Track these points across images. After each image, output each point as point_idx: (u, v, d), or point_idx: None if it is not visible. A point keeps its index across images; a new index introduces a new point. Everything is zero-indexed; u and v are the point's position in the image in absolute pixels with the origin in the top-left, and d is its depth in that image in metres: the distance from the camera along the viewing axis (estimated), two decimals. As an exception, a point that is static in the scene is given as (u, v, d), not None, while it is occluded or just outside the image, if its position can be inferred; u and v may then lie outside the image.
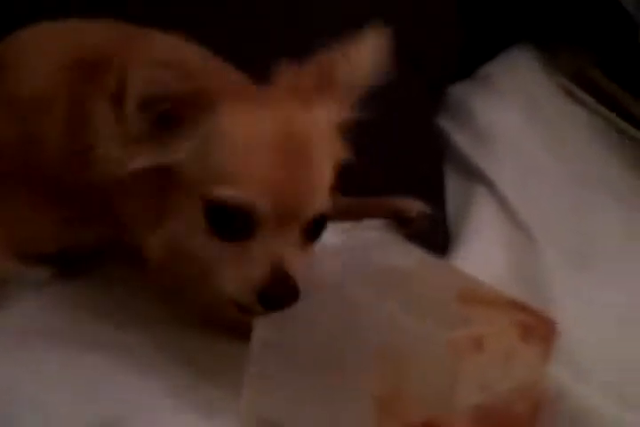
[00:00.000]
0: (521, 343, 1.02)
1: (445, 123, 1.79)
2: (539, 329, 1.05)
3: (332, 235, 1.14)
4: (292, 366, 1.10)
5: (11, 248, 1.30)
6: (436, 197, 1.45)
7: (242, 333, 1.12)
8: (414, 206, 1.26)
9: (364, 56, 1.12)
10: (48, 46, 1.25)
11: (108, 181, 1.13)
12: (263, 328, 1.09)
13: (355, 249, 1.14)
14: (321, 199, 1.08)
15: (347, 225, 1.17)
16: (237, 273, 1.06)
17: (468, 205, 1.57)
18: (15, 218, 1.27)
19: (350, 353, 1.06)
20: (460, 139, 1.74)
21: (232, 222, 1.06)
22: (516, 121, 1.81)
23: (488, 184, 1.62)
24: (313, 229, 1.11)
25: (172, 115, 1.06)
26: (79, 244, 1.32)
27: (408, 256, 1.15)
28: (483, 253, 1.44)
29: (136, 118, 1.05)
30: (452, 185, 1.62)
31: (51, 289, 1.34)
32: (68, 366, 1.20)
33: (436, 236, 1.33)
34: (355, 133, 1.18)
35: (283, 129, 1.07)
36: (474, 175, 1.66)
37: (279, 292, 1.05)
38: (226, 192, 1.05)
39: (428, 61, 1.68)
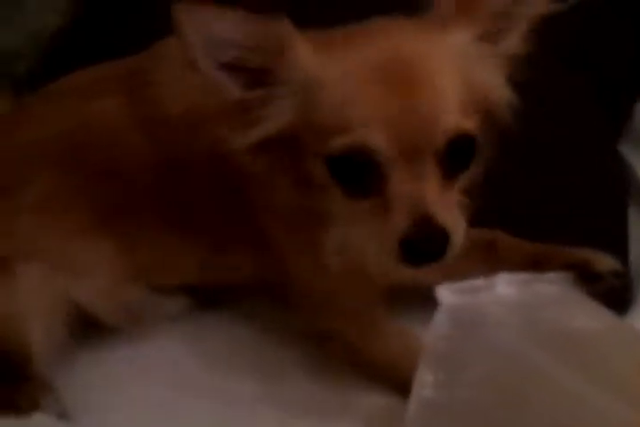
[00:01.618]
0: None
1: (629, 151, 1.52)
2: None
3: (508, 286, 1.00)
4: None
5: (145, 278, 1.24)
6: (617, 244, 1.26)
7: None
8: (604, 261, 1.09)
9: None
10: None
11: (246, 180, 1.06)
12: (425, 386, 0.97)
13: (532, 305, 1.00)
14: (449, 122, 0.93)
15: (525, 276, 1.02)
16: (377, 229, 0.95)
17: None
18: (151, 247, 1.21)
19: None
20: None
21: (359, 174, 0.94)
22: None
23: None
24: (456, 158, 0.95)
25: (252, 69, 0.94)
26: (219, 277, 1.24)
27: (592, 318, 1.00)
28: None
29: (214, 74, 0.94)
30: (635, 228, 1.38)
31: (183, 321, 1.28)
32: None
33: (618, 292, 1.17)
34: (513, 157, 1.05)
35: (386, 54, 0.95)
36: None
37: (426, 241, 0.92)
38: (341, 141, 0.93)
39: (607, 74, 1.48)
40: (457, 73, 0.96)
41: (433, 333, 0.97)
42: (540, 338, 0.96)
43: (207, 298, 1.29)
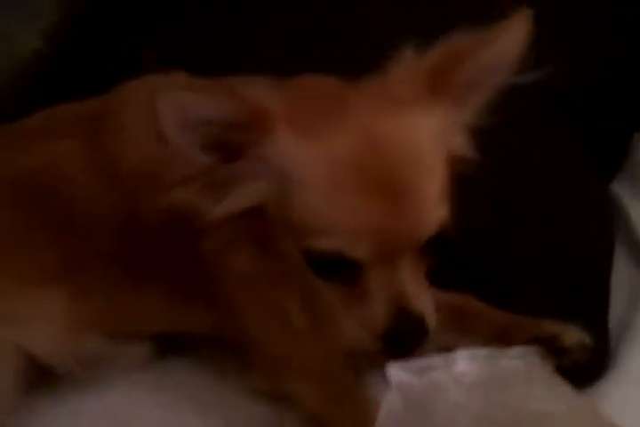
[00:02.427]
0: None
1: (622, 190, 1.44)
2: None
3: (468, 363, 0.96)
4: None
5: (103, 326, 1.18)
6: (598, 309, 1.20)
7: None
8: (572, 335, 1.03)
9: (503, 45, 0.89)
10: None
11: (211, 245, 1.01)
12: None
13: (493, 385, 0.95)
14: (433, 222, 0.90)
15: (487, 352, 0.97)
16: (356, 317, 0.92)
17: (634, 304, 1.27)
18: (107, 297, 1.15)
19: None
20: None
21: (338, 270, 0.91)
22: None
23: None
24: (429, 245, 0.92)
25: (228, 146, 0.89)
26: (178, 328, 1.19)
27: (555, 399, 0.96)
28: None
29: (187, 150, 0.89)
30: (621, 277, 1.29)
31: (143, 370, 1.22)
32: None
33: (592, 363, 1.11)
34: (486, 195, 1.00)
35: (369, 151, 0.88)
36: None
37: (404, 332, 0.90)
38: (319, 246, 0.89)
39: (597, 117, 1.40)
40: (439, 156, 0.92)
41: (383, 413, 0.92)
42: (498, 423, 0.91)
43: (167, 345, 1.23)
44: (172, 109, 0.87)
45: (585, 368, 1.07)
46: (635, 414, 1.04)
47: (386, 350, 0.91)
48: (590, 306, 1.17)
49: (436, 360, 0.94)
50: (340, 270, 0.91)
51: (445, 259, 0.97)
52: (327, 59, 1.25)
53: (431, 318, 0.92)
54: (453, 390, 0.93)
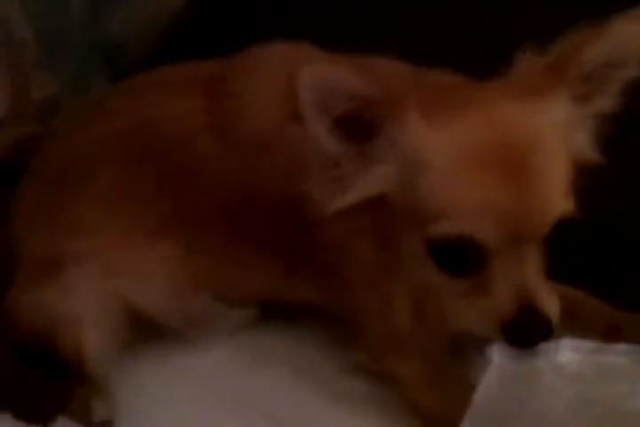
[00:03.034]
0: None
1: None
2: None
3: (571, 353, 0.93)
4: None
5: (211, 288, 1.21)
6: None
7: None
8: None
9: (623, 36, 0.90)
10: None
11: (326, 224, 1.02)
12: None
13: (594, 378, 0.92)
14: (558, 210, 0.90)
15: (592, 345, 0.94)
16: (478, 307, 0.93)
17: None
18: (220, 259, 1.18)
19: None
20: None
21: (462, 258, 0.91)
22: None
23: None
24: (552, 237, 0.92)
25: (362, 129, 0.90)
26: (285, 299, 1.21)
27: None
28: None
29: (322, 130, 0.89)
30: None
31: (244, 335, 1.25)
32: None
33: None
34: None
35: (496, 136, 0.90)
36: None
37: (529, 327, 0.91)
38: (445, 229, 0.89)
39: None
40: (563, 148, 0.92)
41: (480, 391, 0.91)
42: (593, 416, 0.89)
43: (272, 311, 1.26)
44: (311, 81, 0.88)
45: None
46: None
47: (509, 339, 0.91)
48: None
49: (539, 347, 0.92)
50: (464, 261, 0.91)
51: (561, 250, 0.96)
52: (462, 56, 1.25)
53: (556, 316, 0.92)
54: (553, 378, 0.91)
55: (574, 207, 0.92)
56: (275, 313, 1.25)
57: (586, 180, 0.96)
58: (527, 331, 0.90)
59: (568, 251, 1.01)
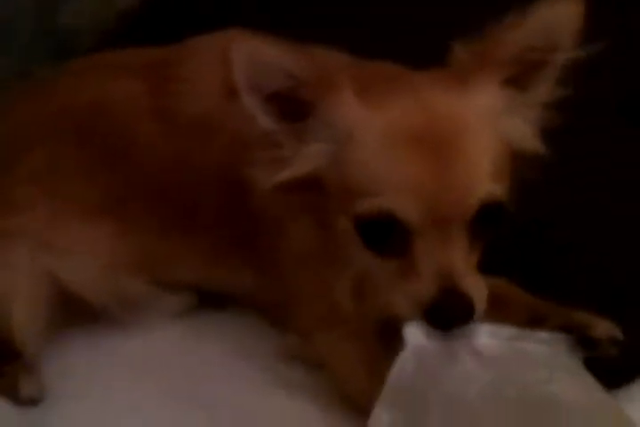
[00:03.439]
0: None
1: None
2: None
3: (490, 338, 0.94)
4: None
5: (149, 271, 1.21)
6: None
7: None
8: (603, 327, 1.01)
9: (547, 21, 0.91)
10: None
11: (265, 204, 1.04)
12: (380, 425, 0.91)
13: (511, 363, 0.93)
14: (482, 191, 0.91)
15: (512, 331, 0.95)
16: (402, 288, 0.93)
17: None
18: (152, 239, 1.18)
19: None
20: None
21: (388, 237, 0.92)
22: None
23: None
24: (483, 224, 0.92)
25: (297, 108, 0.92)
26: (220, 282, 1.21)
27: (573, 387, 0.92)
28: None
29: (255, 107, 0.91)
30: None
31: (181, 321, 1.25)
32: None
33: (625, 363, 1.07)
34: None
35: (423, 118, 0.92)
36: None
37: (450, 309, 0.90)
38: (370, 205, 0.90)
39: None
40: (490, 132, 0.94)
41: (396, 372, 0.91)
42: (508, 399, 0.88)
43: (209, 299, 1.25)
44: (246, 57, 0.90)
45: (617, 368, 1.04)
46: None
47: (430, 322, 0.91)
48: (634, 306, 1.14)
49: (458, 331, 0.92)
50: (390, 240, 0.92)
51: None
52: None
53: (481, 301, 0.92)
54: (469, 360, 0.91)
55: (504, 194, 0.93)
56: (211, 300, 1.25)
57: (530, 172, 0.97)
58: (448, 313, 0.90)
59: (501, 242, 1.02)
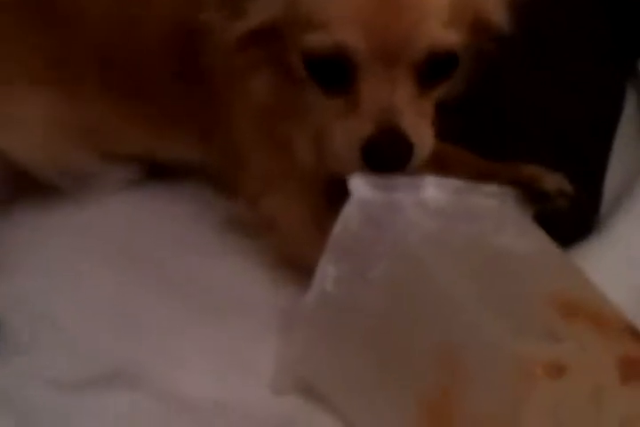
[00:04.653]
0: (618, 385, 0.77)
1: None
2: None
3: (436, 190, 0.91)
4: (347, 333, 0.91)
5: (94, 144, 1.17)
6: (594, 169, 1.15)
7: None
8: (551, 180, 0.99)
9: None
10: None
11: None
12: (327, 280, 0.90)
13: (458, 215, 0.91)
14: (431, 32, 0.88)
15: (460, 184, 0.93)
16: (344, 126, 0.91)
17: (636, 176, 1.21)
18: (96, 109, 1.13)
19: (409, 339, 0.86)
20: None
21: (334, 72, 0.90)
22: None
23: None
24: (435, 69, 0.90)
25: None
26: (167, 153, 1.18)
27: (520, 238, 0.91)
28: (636, 241, 1.12)
29: None
30: (625, 148, 1.24)
31: (126, 193, 1.22)
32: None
33: (578, 216, 1.06)
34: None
35: None
36: None
37: (386, 146, 0.89)
38: (315, 38, 0.88)
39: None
40: None
41: (340, 225, 0.89)
42: (451, 249, 0.87)
43: (156, 171, 1.22)
44: None
45: (570, 225, 1.03)
46: (609, 278, 0.97)
47: (367, 162, 0.90)
48: (586, 164, 1.13)
49: (403, 181, 0.90)
50: (337, 76, 0.90)
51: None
52: None
53: (420, 140, 0.90)
54: (415, 211, 0.89)
55: (459, 44, 0.90)
56: (160, 171, 1.22)
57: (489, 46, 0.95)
58: (384, 150, 0.88)
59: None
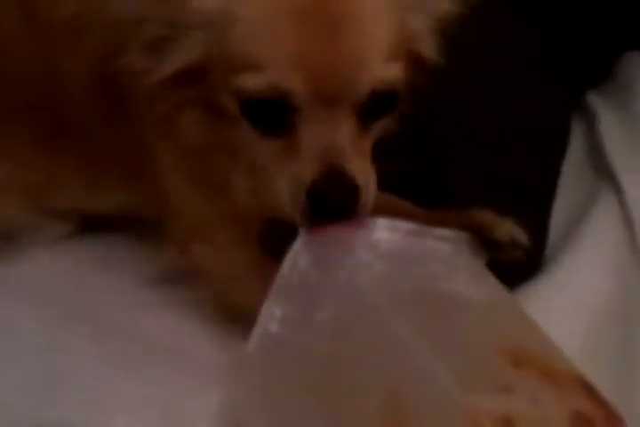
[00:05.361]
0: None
1: (595, 98, 1.40)
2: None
3: (391, 233, 0.89)
4: (289, 377, 0.87)
5: (29, 198, 1.13)
6: (540, 209, 1.15)
7: None
8: (504, 229, 0.97)
9: None
10: None
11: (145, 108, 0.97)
12: (271, 320, 0.87)
13: (408, 258, 0.89)
14: (374, 71, 0.86)
15: (413, 227, 0.90)
16: (284, 170, 0.88)
17: (583, 209, 1.21)
18: (26, 161, 1.10)
19: (353, 384, 0.83)
20: (609, 122, 1.34)
21: (271, 114, 0.87)
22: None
23: (618, 190, 1.23)
24: (374, 107, 0.88)
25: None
26: (97, 208, 1.14)
27: (474, 285, 0.89)
28: (583, 279, 1.11)
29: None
30: (572, 181, 1.25)
31: (61, 245, 1.17)
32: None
33: (525, 260, 1.02)
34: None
35: None
36: (604, 174, 1.27)
37: (331, 189, 0.85)
38: (250, 79, 0.85)
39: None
40: (387, 12, 0.88)
41: (287, 264, 0.86)
42: (401, 294, 0.85)
43: (91, 223, 1.18)
44: None
45: (517, 265, 1.00)
46: (558, 319, 0.98)
47: (314, 209, 0.86)
48: (532, 200, 1.13)
49: (352, 223, 0.87)
50: (274, 118, 0.87)
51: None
52: None
53: (367, 189, 0.87)
54: (365, 253, 0.86)
55: (399, 80, 0.89)
56: (91, 226, 1.19)
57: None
58: (329, 193, 0.85)
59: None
